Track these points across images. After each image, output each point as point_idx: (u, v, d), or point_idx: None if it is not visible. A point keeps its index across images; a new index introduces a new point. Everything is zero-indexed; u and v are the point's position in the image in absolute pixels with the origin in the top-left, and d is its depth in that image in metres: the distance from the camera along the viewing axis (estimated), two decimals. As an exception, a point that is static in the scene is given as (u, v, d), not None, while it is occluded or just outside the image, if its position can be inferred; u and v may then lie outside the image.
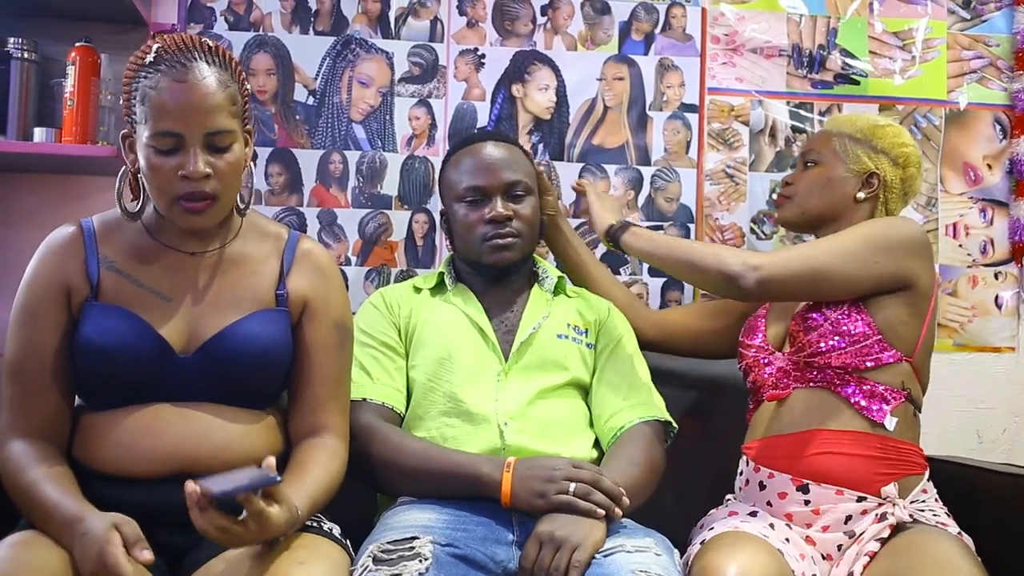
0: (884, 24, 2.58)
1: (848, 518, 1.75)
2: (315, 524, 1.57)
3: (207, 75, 1.50)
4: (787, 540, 1.72)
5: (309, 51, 2.42)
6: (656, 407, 1.91)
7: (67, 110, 2.16)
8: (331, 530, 1.59)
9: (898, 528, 1.72)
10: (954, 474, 2.02)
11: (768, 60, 2.55)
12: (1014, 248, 2.59)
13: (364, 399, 1.82)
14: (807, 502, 1.77)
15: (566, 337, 1.93)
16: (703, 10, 2.53)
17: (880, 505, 1.74)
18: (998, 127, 2.60)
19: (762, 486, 1.82)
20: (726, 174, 2.52)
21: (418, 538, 1.55)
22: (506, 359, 1.88)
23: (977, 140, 2.60)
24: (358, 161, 2.42)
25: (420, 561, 1.48)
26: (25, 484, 1.46)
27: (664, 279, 2.47)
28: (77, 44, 2.17)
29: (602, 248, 2.32)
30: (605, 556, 1.55)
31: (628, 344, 2.00)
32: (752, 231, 2.52)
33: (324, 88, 2.42)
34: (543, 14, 2.49)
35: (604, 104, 2.49)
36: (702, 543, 1.72)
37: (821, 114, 2.53)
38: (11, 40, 2.21)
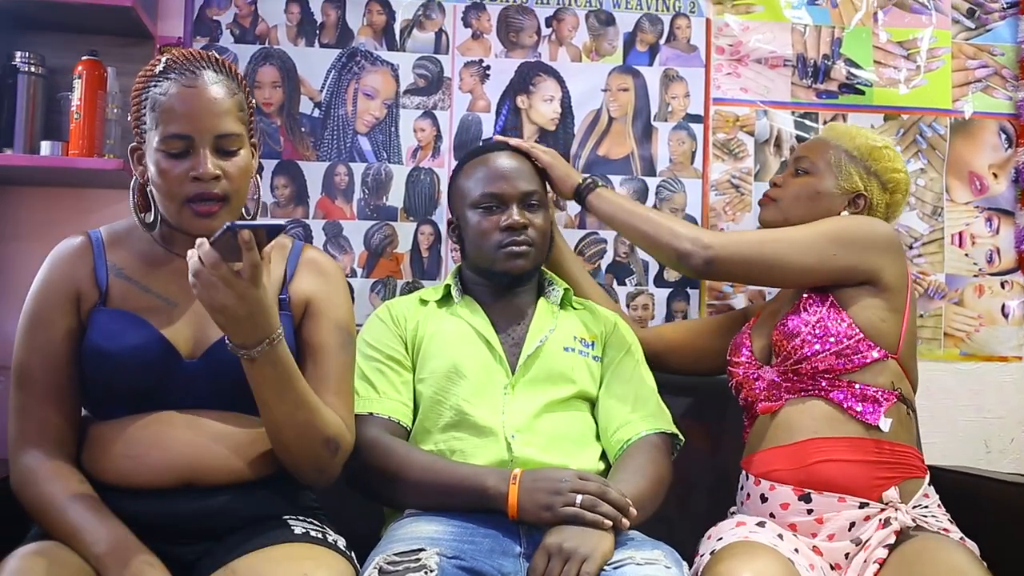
0: (888, 34, 2.58)
1: (852, 525, 1.74)
2: (320, 536, 1.57)
3: (215, 81, 1.55)
4: (796, 550, 1.72)
5: (314, 63, 2.42)
6: (663, 419, 1.91)
7: (74, 123, 2.16)
8: (336, 542, 1.59)
9: (903, 534, 1.72)
10: (962, 484, 2.02)
11: (773, 70, 2.55)
12: (1020, 257, 2.59)
13: (370, 413, 1.82)
14: (810, 511, 1.76)
15: (573, 350, 1.93)
16: (707, 21, 2.54)
17: (883, 510, 1.74)
18: (1003, 136, 2.60)
19: (764, 499, 1.82)
20: (731, 184, 2.52)
21: (424, 550, 1.54)
22: (513, 372, 1.88)
23: (982, 149, 2.60)
24: (363, 173, 2.42)
25: (426, 573, 1.47)
26: (45, 498, 1.47)
27: (670, 289, 2.47)
28: (83, 57, 2.18)
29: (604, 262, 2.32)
30: (615, 568, 1.54)
31: (635, 356, 2.00)
32: (758, 241, 2.51)
33: (329, 100, 2.42)
34: (548, 25, 2.49)
35: (609, 115, 2.49)
36: (712, 553, 1.71)
37: (825, 123, 2.53)
38: (18, 54, 2.21)
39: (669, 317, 2.47)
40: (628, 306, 2.44)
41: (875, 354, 1.81)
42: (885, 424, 1.79)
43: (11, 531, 1.55)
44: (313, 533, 1.57)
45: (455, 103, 2.46)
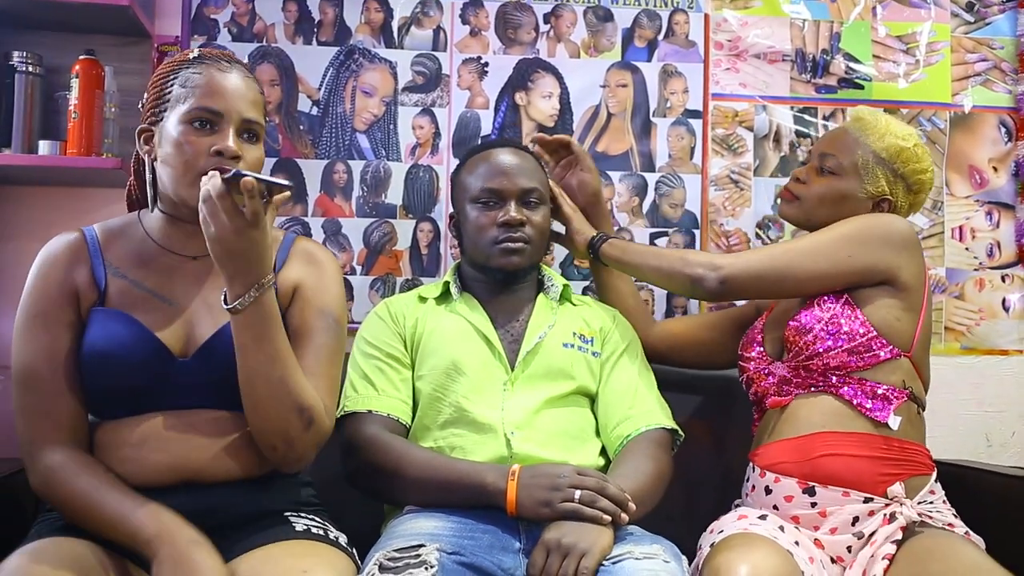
0: (887, 28, 2.58)
1: (855, 519, 1.74)
2: (322, 533, 1.57)
3: (247, 76, 1.61)
4: (797, 543, 1.72)
5: (312, 61, 2.43)
6: (662, 415, 1.90)
7: (71, 123, 2.16)
8: (337, 539, 1.59)
9: (908, 530, 1.71)
10: (963, 477, 2.01)
11: (771, 65, 2.55)
12: (1021, 250, 2.59)
13: (369, 411, 1.82)
14: (813, 504, 1.76)
15: (572, 346, 1.92)
16: (706, 16, 2.54)
17: (887, 505, 1.74)
18: (1003, 130, 2.60)
19: (768, 490, 1.82)
20: (731, 179, 2.52)
21: (424, 546, 1.54)
22: (512, 368, 1.88)
23: (982, 143, 2.60)
24: (362, 170, 2.42)
25: (426, 569, 1.47)
26: (85, 490, 1.46)
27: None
28: (81, 57, 2.18)
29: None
30: (613, 563, 1.54)
31: (634, 352, 2.00)
32: (757, 236, 2.52)
33: (328, 98, 2.42)
34: (546, 22, 2.49)
35: (608, 111, 2.49)
36: (712, 546, 1.71)
37: (825, 119, 2.53)
38: (15, 53, 2.22)
39: (669, 313, 2.47)
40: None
41: (887, 353, 1.80)
42: (894, 422, 1.78)
43: (11, 530, 1.55)
44: (314, 530, 1.57)
45: (453, 100, 2.46)
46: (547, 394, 1.85)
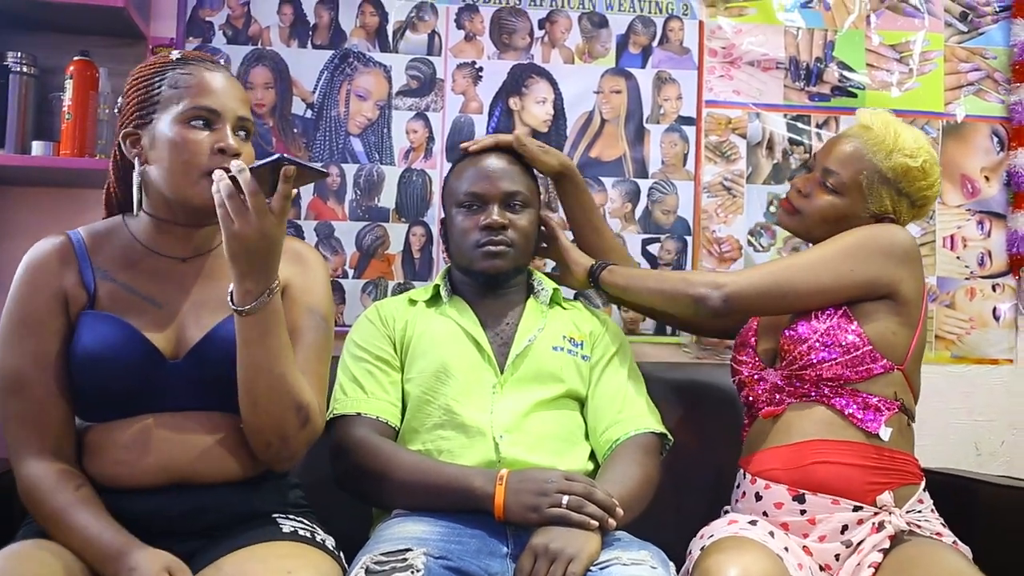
0: (881, 37, 2.59)
1: (844, 528, 1.74)
2: (309, 535, 1.57)
3: (230, 74, 1.64)
4: (786, 549, 1.72)
5: (307, 65, 2.43)
6: (651, 419, 1.90)
7: (65, 124, 2.16)
8: (324, 541, 1.59)
9: (896, 539, 1.72)
10: (952, 486, 2.02)
11: (765, 73, 2.56)
12: (1012, 260, 2.59)
13: (358, 413, 1.82)
14: (803, 512, 1.76)
15: (561, 349, 1.92)
16: (700, 23, 2.54)
17: (876, 514, 1.74)
18: (995, 139, 2.61)
19: (758, 497, 1.82)
20: (723, 186, 2.53)
21: (411, 550, 1.54)
22: (501, 371, 1.88)
23: (975, 152, 2.61)
24: (356, 174, 2.42)
25: (412, 573, 1.47)
26: (55, 509, 1.47)
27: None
28: (75, 58, 2.19)
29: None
30: (601, 569, 1.54)
31: (624, 356, 2.00)
32: (750, 243, 2.52)
33: (322, 101, 2.43)
34: (540, 27, 2.50)
35: (601, 117, 2.50)
36: (702, 549, 1.71)
37: (819, 126, 2.54)
38: (9, 54, 2.22)
39: (660, 327, 2.47)
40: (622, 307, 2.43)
41: (881, 367, 1.80)
42: (885, 433, 1.78)
43: (1, 529, 1.56)
44: (301, 532, 1.58)
45: (447, 105, 2.46)
46: (536, 397, 1.85)
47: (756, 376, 1.92)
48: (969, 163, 2.60)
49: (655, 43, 2.53)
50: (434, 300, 1.99)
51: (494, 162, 1.97)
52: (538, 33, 2.50)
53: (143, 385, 1.54)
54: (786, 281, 1.84)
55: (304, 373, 1.58)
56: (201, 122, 1.54)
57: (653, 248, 2.49)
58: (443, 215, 2.07)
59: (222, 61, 2.33)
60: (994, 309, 2.59)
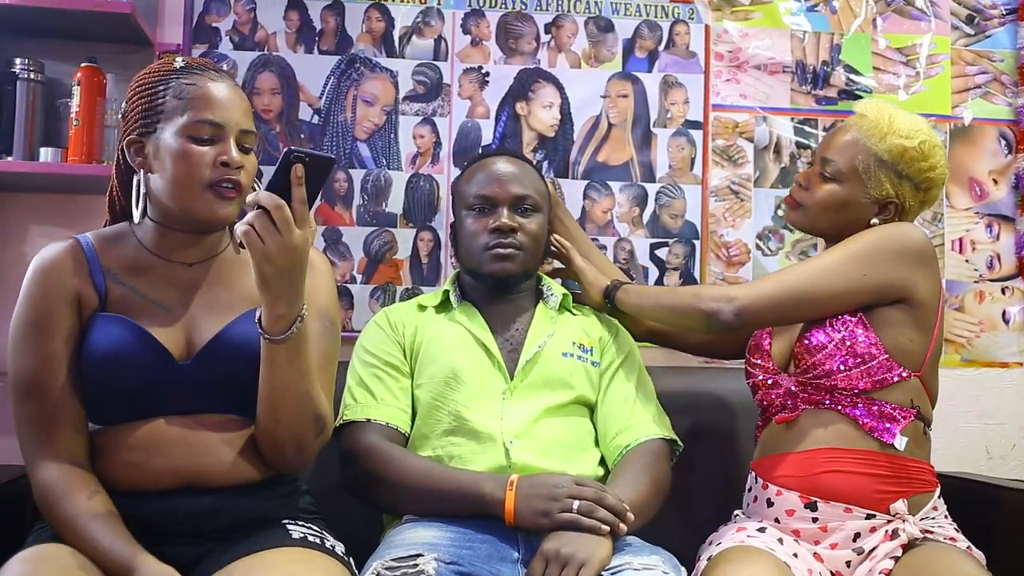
0: (888, 40, 2.59)
1: (857, 535, 1.73)
2: (318, 540, 1.57)
3: (234, 84, 1.63)
4: (795, 555, 1.71)
5: (314, 70, 2.43)
6: (662, 425, 1.90)
7: (73, 130, 2.17)
8: (334, 547, 1.59)
9: (909, 545, 1.71)
10: (964, 490, 2.01)
11: (772, 76, 2.55)
12: (1021, 263, 2.59)
13: (368, 420, 1.82)
14: (815, 519, 1.75)
15: (571, 355, 1.92)
16: (707, 27, 2.54)
17: (889, 522, 1.73)
18: (1003, 142, 2.61)
19: (770, 503, 1.81)
20: (731, 190, 2.52)
21: (422, 555, 1.54)
22: (511, 377, 1.87)
23: (982, 155, 2.60)
24: (363, 179, 2.42)
25: (424, 578, 1.48)
26: (68, 517, 1.47)
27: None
28: (83, 64, 2.19)
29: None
30: (612, 574, 1.55)
31: (633, 362, 1.99)
32: (757, 247, 2.52)
33: (329, 107, 2.43)
34: (547, 32, 2.50)
35: (608, 121, 2.50)
36: (709, 559, 1.71)
37: (826, 130, 2.53)
38: (17, 61, 2.22)
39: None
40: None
41: (897, 376, 1.78)
42: (900, 443, 1.76)
43: (10, 537, 1.56)
44: (311, 538, 1.57)
45: (454, 110, 2.46)
46: (546, 403, 1.85)
47: (770, 380, 1.91)
48: (977, 166, 2.60)
49: (661, 47, 2.52)
50: (443, 306, 1.99)
51: (503, 166, 1.97)
52: (544, 38, 2.49)
53: (153, 386, 1.54)
54: (799, 289, 1.81)
55: (319, 380, 1.59)
56: (206, 136, 1.54)
57: (661, 252, 2.49)
58: (452, 219, 2.06)
59: (228, 67, 2.33)
60: (1003, 312, 2.59)
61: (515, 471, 1.72)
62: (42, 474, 1.51)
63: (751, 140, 2.54)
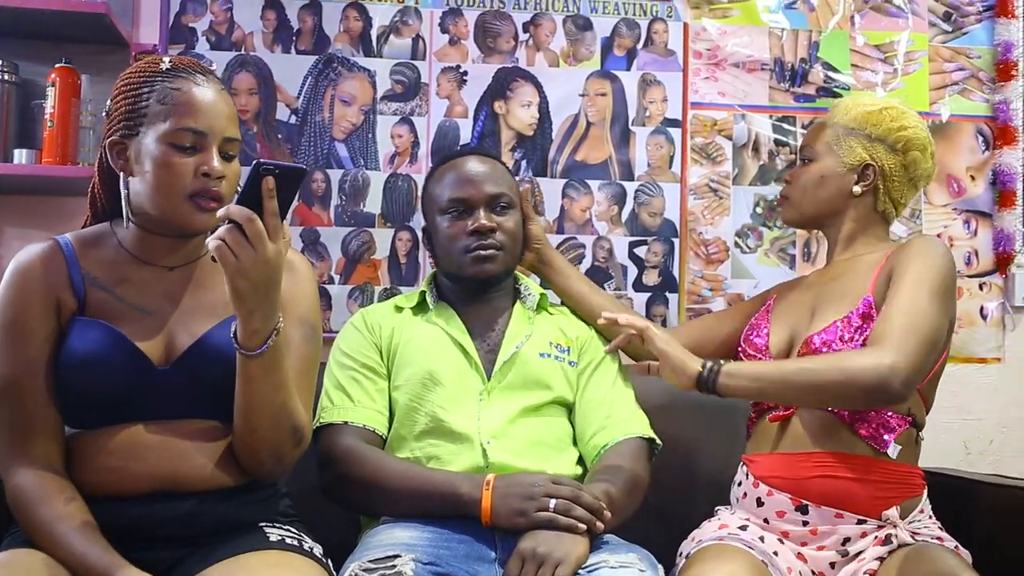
0: (866, 37, 2.59)
1: (847, 540, 1.73)
2: (296, 543, 1.56)
3: (221, 87, 1.60)
4: (776, 553, 1.71)
5: (291, 70, 2.42)
6: (640, 424, 1.90)
7: (48, 131, 2.16)
8: (312, 549, 1.58)
9: (896, 546, 1.70)
10: (943, 486, 2.01)
11: (750, 74, 2.56)
12: (998, 259, 2.60)
13: (345, 422, 1.81)
14: (805, 523, 1.74)
15: (549, 356, 1.92)
16: (685, 25, 2.54)
17: (881, 528, 1.72)
18: (980, 138, 2.62)
19: (760, 502, 1.79)
20: (710, 188, 2.53)
21: (400, 556, 1.54)
22: (489, 378, 1.87)
23: (960, 152, 2.61)
24: (341, 179, 2.42)
25: (401, 578, 1.47)
26: (43, 522, 1.45)
27: (649, 294, 2.48)
28: (57, 65, 2.18)
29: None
30: (589, 572, 1.55)
31: (611, 361, 1.98)
32: (736, 245, 2.52)
33: (306, 107, 2.42)
34: (525, 31, 2.49)
35: (587, 120, 2.50)
36: (688, 556, 1.71)
37: (804, 127, 2.53)
38: (-9, 62, 2.21)
39: (649, 322, 2.47)
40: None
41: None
42: (894, 451, 1.75)
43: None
44: (289, 540, 1.56)
45: (432, 109, 2.46)
46: (524, 404, 1.85)
47: None
48: (955, 163, 2.61)
49: (640, 45, 2.53)
50: (420, 307, 1.98)
51: (475, 166, 1.96)
52: (523, 36, 2.49)
53: (131, 392, 1.53)
54: (932, 339, 1.68)
55: (299, 388, 1.58)
56: (187, 144, 1.52)
57: (640, 251, 2.49)
58: (424, 224, 2.04)
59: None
60: (981, 308, 2.60)
61: (493, 471, 1.72)
62: (17, 479, 1.49)
63: (730, 138, 2.54)
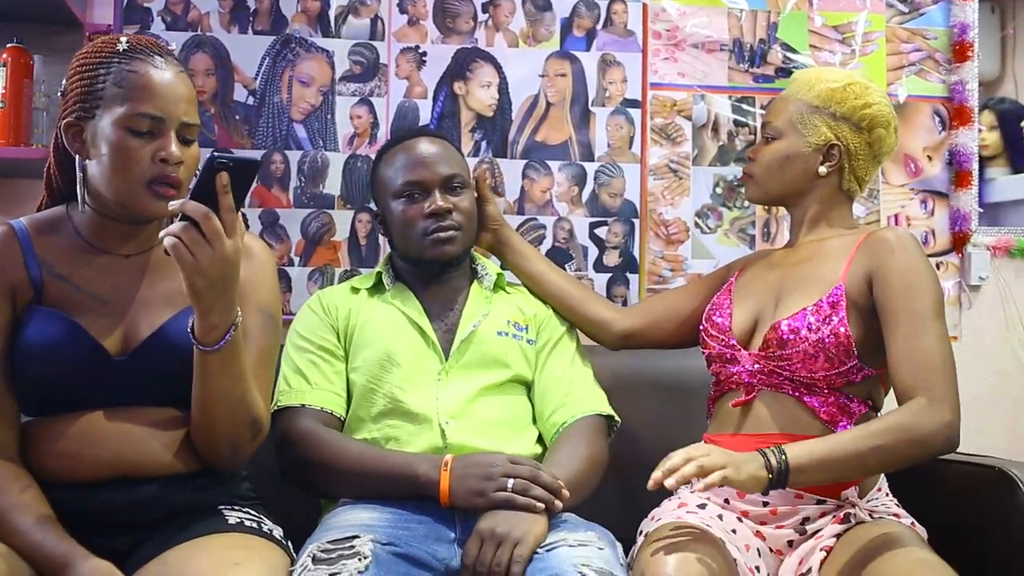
0: (824, 18, 2.61)
1: (806, 519, 1.74)
2: (255, 525, 1.56)
3: (180, 68, 1.56)
4: (734, 531, 1.71)
5: (248, 51, 2.40)
6: (598, 401, 1.91)
7: (-1, 112, 2.13)
8: (271, 532, 1.58)
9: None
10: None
11: (710, 55, 2.56)
12: (955, 238, 2.63)
13: (303, 405, 1.80)
14: (765, 503, 1.75)
15: (506, 334, 1.92)
16: (644, 6, 2.54)
17: (839, 507, 1.73)
18: (937, 119, 2.64)
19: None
20: (669, 169, 2.53)
21: (358, 537, 1.54)
22: (447, 358, 1.87)
23: (917, 132, 2.64)
24: (300, 161, 2.40)
25: (360, 559, 1.47)
26: None
27: (609, 274, 2.49)
28: (9, 45, 2.15)
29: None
30: (547, 551, 1.55)
31: (569, 339, 2.00)
32: (696, 225, 2.53)
33: (264, 88, 2.40)
34: (484, 11, 2.48)
35: (547, 100, 2.49)
36: (646, 535, 1.71)
37: (763, 108, 2.54)
38: (-59, 42, 2.17)
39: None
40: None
41: (862, 376, 1.76)
42: None
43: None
44: (248, 523, 1.56)
45: (391, 90, 2.44)
46: (482, 383, 1.85)
47: (728, 355, 1.86)
48: (912, 143, 2.63)
49: (599, 26, 2.52)
50: (377, 288, 1.97)
51: (426, 147, 1.94)
52: (482, 17, 2.48)
53: (88, 382, 1.52)
54: (950, 358, 1.71)
55: (257, 378, 1.58)
56: (144, 129, 1.49)
57: (601, 231, 2.49)
58: (376, 208, 2.03)
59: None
60: (938, 287, 2.62)
61: (452, 451, 1.72)
62: None
63: (689, 118, 2.54)
